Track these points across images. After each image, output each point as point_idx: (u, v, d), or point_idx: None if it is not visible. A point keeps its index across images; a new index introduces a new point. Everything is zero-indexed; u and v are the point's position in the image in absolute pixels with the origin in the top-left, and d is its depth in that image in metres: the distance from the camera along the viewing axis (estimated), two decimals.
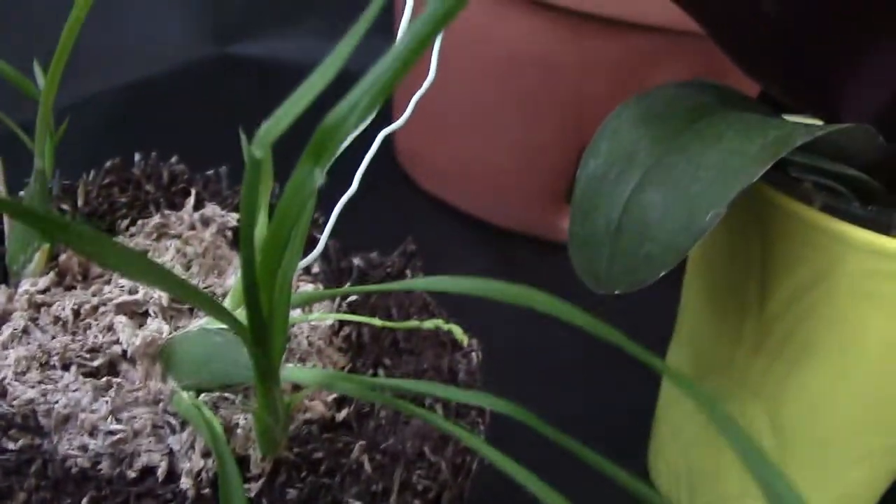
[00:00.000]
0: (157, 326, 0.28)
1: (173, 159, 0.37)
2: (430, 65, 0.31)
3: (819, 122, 0.38)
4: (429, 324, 0.27)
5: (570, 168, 0.59)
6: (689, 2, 0.34)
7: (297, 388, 0.28)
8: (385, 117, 0.30)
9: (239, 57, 0.84)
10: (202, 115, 0.75)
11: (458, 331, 0.28)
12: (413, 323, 0.28)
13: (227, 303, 0.29)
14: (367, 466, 0.26)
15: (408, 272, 0.34)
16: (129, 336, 0.28)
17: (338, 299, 0.33)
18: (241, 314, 0.27)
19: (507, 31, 0.55)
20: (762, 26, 0.33)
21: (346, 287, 0.33)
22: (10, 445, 0.26)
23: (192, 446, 0.26)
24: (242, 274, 0.20)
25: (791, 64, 0.35)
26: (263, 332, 0.21)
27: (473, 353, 0.31)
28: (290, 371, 0.24)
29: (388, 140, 0.31)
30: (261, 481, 0.25)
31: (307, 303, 0.30)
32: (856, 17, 0.31)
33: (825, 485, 0.37)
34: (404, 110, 0.32)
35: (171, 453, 0.26)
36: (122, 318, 0.28)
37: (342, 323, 0.32)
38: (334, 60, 0.18)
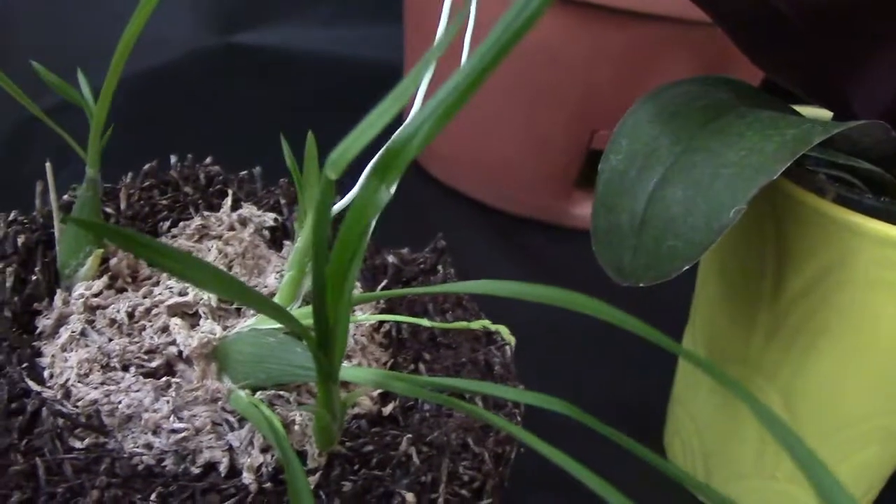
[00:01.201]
0: (209, 327, 0.29)
1: (208, 160, 0.38)
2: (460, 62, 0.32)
3: (828, 112, 0.39)
4: (476, 325, 0.29)
5: (579, 155, 0.60)
6: None
7: (343, 384, 0.29)
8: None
9: (243, 46, 0.85)
10: (207, 104, 0.75)
11: (505, 331, 0.29)
12: (461, 324, 0.29)
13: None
14: (416, 458, 0.28)
15: (439, 267, 0.36)
16: (185, 337, 0.29)
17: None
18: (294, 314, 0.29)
19: None
20: (771, 20, 0.34)
21: (393, 288, 0.34)
22: (77, 444, 0.27)
23: (251, 442, 0.27)
24: (313, 285, 0.21)
25: (800, 56, 0.36)
26: (328, 338, 0.23)
27: (507, 346, 0.32)
28: (347, 371, 0.26)
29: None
30: (318, 475, 0.27)
31: (356, 304, 0.32)
32: (865, 15, 0.32)
33: (837, 465, 0.38)
34: None
35: (231, 449, 0.27)
36: (177, 321, 0.30)
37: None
38: (406, 87, 0.19)
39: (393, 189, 0.21)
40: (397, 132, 0.20)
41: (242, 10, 0.85)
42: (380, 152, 0.20)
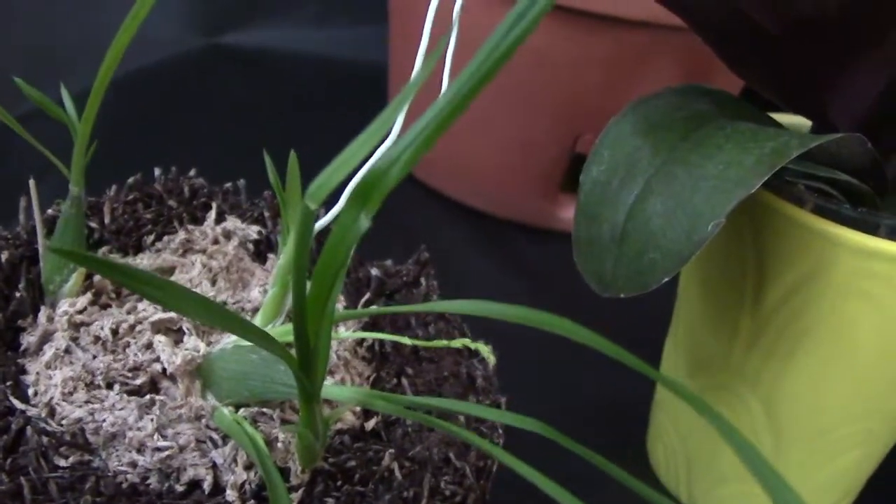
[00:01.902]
0: (193, 344, 0.30)
1: (192, 172, 0.38)
2: (441, 82, 0.32)
3: (806, 121, 0.39)
4: (456, 343, 0.29)
5: (564, 158, 0.60)
6: (675, 3, 0.36)
7: (327, 400, 0.29)
8: None
9: (228, 47, 0.85)
10: (193, 105, 0.75)
11: (485, 350, 0.29)
12: (441, 342, 0.30)
13: (257, 319, 0.30)
14: (398, 473, 0.28)
15: (422, 280, 0.36)
16: (169, 355, 0.29)
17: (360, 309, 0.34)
18: (275, 331, 0.29)
19: None
20: (747, 30, 0.34)
21: (377, 300, 0.34)
22: (62, 463, 0.27)
23: (234, 460, 0.27)
24: (294, 310, 0.21)
25: (777, 66, 0.36)
26: (309, 359, 0.23)
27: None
28: (330, 390, 0.26)
29: None
30: (300, 491, 0.27)
31: (339, 320, 0.32)
32: (840, 28, 0.32)
33: (817, 470, 0.39)
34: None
35: (214, 467, 0.28)
36: (161, 337, 0.30)
37: None
38: (387, 116, 0.19)
39: (372, 216, 0.21)
40: (377, 158, 0.20)
41: (229, 11, 0.85)
42: (359, 178, 0.21)
